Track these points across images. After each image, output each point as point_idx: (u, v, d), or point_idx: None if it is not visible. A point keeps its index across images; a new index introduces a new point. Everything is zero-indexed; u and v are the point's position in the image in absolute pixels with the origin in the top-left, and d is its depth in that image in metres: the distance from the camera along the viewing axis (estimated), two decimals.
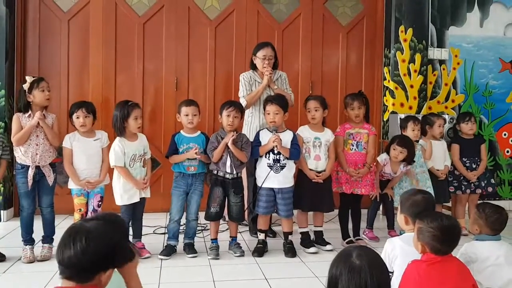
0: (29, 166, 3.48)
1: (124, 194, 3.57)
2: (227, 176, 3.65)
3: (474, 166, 4.62)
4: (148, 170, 3.70)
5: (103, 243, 1.48)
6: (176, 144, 3.68)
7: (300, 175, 3.86)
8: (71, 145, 3.57)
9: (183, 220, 3.77)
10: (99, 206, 3.60)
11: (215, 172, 3.69)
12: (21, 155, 3.49)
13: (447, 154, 4.56)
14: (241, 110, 3.73)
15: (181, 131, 3.74)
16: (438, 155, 4.49)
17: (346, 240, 4.02)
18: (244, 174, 4.19)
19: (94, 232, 1.48)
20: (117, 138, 3.59)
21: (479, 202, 3.52)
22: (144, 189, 3.61)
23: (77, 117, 3.56)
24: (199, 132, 3.77)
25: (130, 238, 3.66)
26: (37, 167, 3.51)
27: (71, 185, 3.59)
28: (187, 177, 3.67)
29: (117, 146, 3.55)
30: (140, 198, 3.62)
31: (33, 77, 3.57)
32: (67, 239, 1.46)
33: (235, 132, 3.63)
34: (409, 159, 4.07)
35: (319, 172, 3.82)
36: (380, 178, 4.18)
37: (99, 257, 1.46)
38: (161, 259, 3.55)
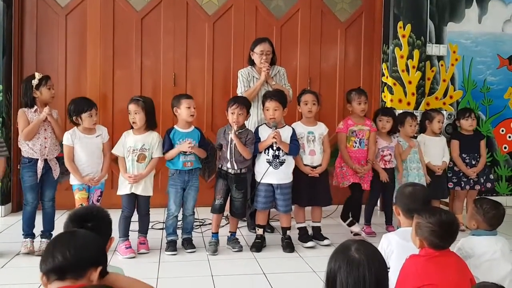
0: (38, 159, 3.52)
1: (120, 184, 3.65)
2: (230, 171, 3.66)
3: (473, 162, 4.63)
4: (147, 168, 3.64)
5: (94, 239, 1.52)
6: (171, 141, 3.66)
7: (296, 171, 3.86)
8: (72, 142, 3.56)
9: (179, 216, 3.77)
10: (98, 201, 3.62)
11: (219, 166, 3.71)
12: (29, 148, 3.53)
13: (446, 150, 4.57)
14: (246, 105, 3.70)
15: (176, 127, 3.73)
16: (436, 151, 4.50)
17: (347, 222, 4.06)
18: None
19: (82, 232, 1.53)
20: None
21: (476, 197, 3.54)
22: (131, 182, 3.57)
23: (90, 116, 3.56)
24: (193, 127, 3.76)
25: (131, 233, 3.68)
26: (44, 160, 3.54)
27: (73, 181, 3.60)
28: (183, 174, 3.66)
29: (122, 136, 3.68)
30: (137, 194, 3.62)
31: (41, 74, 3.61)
32: (59, 242, 1.48)
33: (235, 128, 3.61)
34: (395, 128, 4.23)
35: (315, 167, 3.83)
36: (384, 166, 4.19)
37: (90, 252, 1.48)
38: (169, 255, 3.56)
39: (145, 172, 3.63)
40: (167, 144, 3.66)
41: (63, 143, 3.60)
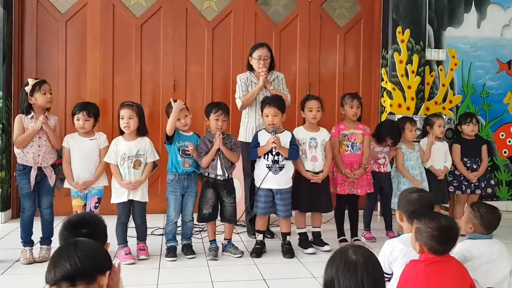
0: (31, 167, 3.49)
1: (114, 192, 3.62)
2: (219, 178, 3.65)
3: (475, 166, 4.63)
4: (144, 173, 3.64)
5: (99, 246, 1.53)
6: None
7: (297, 176, 3.86)
8: (68, 144, 3.59)
9: (178, 222, 3.76)
10: (96, 207, 3.61)
11: (206, 174, 3.68)
12: (23, 155, 3.50)
13: (448, 155, 4.56)
14: (228, 112, 3.73)
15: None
16: (438, 156, 4.49)
17: (340, 239, 4.04)
18: (241, 175, 4.20)
19: (86, 241, 1.53)
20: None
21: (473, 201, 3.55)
22: (130, 189, 3.57)
23: (77, 119, 3.58)
24: (192, 132, 3.77)
25: (130, 239, 3.68)
26: (39, 168, 3.52)
27: (67, 184, 3.62)
28: (182, 180, 3.66)
29: (112, 144, 3.64)
30: (134, 201, 3.61)
31: (35, 79, 3.57)
32: (66, 252, 1.46)
33: (221, 134, 3.61)
34: (394, 144, 4.25)
35: (317, 173, 3.83)
36: (378, 170, 4.20)
37: (99, 259, 1.49)
38: (169, 261, 3.55)
39: (143, 178, 3.63)
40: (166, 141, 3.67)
41: (62, 145, 3.61)
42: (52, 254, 1.50)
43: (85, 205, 3.61)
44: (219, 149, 3.60)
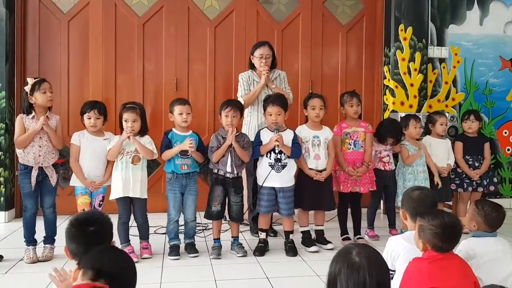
0: (32, 167, 3.49)
1: (113, 186, 3.59)
2: (228, 175, 3.65)
3: (477, 164, 4.62)
4: (141, 144, 3.57)
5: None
6: (169, 141, 3.65)
7: (300, 174, 3.86)
8: (79, 142, 3.59)
9: (181, 221, 3.75)
10: (100, 205, 3.62)
11: (215, 171, 3.68)
12: (24, 155, 3.50)
13: (451, 152, 4.56)
14: (239, 108, 3.72)
15: (173, 129, 3.73)
16: (441, 154, 4.48)
17: (343, 237, 4.03)
18: (244, 173, 4.19)
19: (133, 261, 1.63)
20: None
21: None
22: (128, 133, 3.50)
23: (89, 118, 3.59)
24: (190, 131, 3.76)
25: (133, 238, 3.69)
26: (40, 168, 3.51)
27: (75, 182, 3.60)
28: (181, 178, 3.65)
29: (116, 137, 3.66)
30: (133, 198, 3.60)
31: (35, 78, 3.56)
32: (121, 257, 1.54)
33: (235, 130, 3.61)
34: (395, 143, 4.26)
35: (320, 171, 3.82)
36: (383, 168, 4.19)
37: (134, 278, 1.56)
38: (172, 259, 3.56)
39: (139, 143, 3.57)
40: (165, 144, 3.65)
41: (71, 142, 3.61)
42: (109, 245, 1.56)
43: (91, 202, 3.61)
44: (231, 145, 3.59)
